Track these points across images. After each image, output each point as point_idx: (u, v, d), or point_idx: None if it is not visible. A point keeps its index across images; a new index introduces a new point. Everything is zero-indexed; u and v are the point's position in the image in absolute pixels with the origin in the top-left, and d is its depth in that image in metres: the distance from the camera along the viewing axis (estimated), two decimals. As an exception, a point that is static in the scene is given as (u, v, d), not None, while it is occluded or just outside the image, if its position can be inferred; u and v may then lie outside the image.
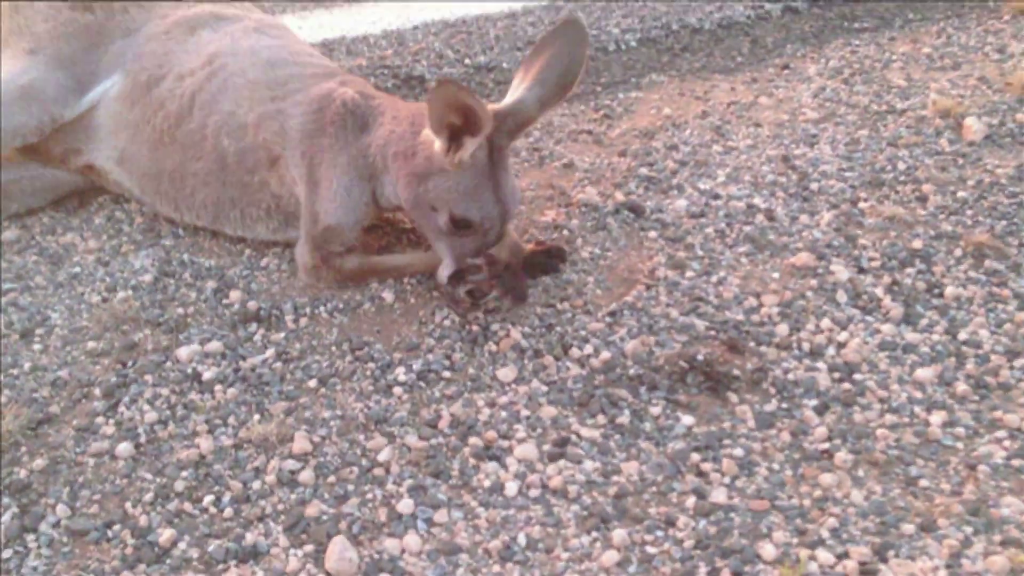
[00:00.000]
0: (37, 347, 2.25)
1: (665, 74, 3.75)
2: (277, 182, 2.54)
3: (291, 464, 1.94)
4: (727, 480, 1.92)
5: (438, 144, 2.24)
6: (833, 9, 4.35)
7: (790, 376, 2.16)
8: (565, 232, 2.66)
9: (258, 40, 2.72)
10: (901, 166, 2.94)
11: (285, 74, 2.61)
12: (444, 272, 2.35)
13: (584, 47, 2.36)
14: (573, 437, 2.02)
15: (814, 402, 2.09)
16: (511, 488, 1.90)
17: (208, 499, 1.86)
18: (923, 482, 1.89)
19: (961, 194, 2.78)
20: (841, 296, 2.39)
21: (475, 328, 2.31)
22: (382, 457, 1.97)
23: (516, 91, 2.35)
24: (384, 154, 2.39)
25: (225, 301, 2.42)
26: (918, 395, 2.11)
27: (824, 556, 1.73)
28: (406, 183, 2.33)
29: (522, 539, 1.79)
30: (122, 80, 2.72)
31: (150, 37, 2.75)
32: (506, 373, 2.18)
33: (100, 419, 2.04)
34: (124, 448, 1.96)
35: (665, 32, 4.09)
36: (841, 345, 2.25)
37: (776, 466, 1.95)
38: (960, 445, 1.99)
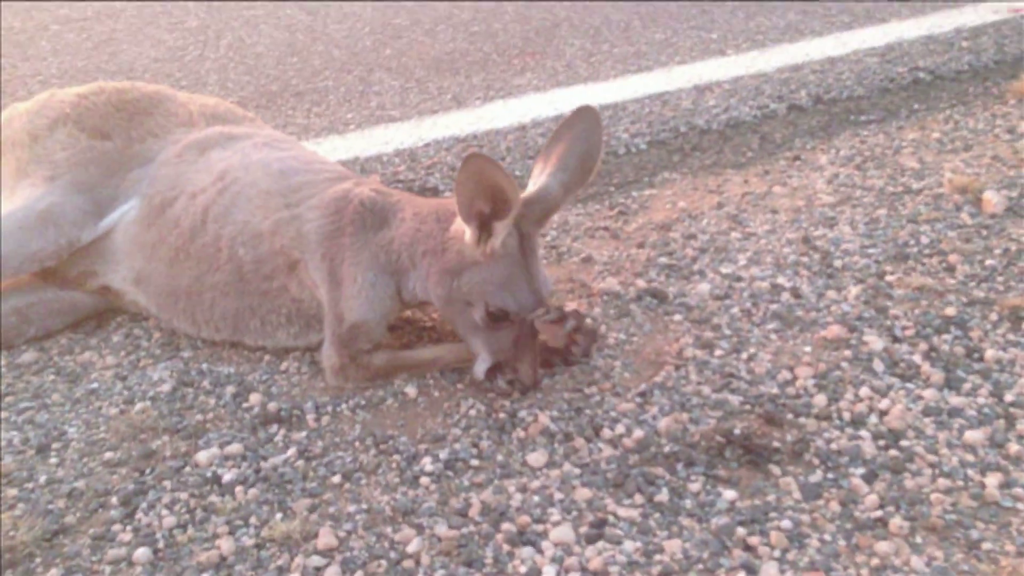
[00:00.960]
0: (53, 460, 2.19)
1: (677, 172, 3.77)
2: (297, 286, 2.53)
3: (316, 560, 1.85)
4: (777, 553, 1.81)
5: (468, 235, 2.24)
6: (838, 104, 4.40)
7: (833, 446, 2.07)
8: (588, 320, 2.61)
9: (268, 153, 2.76)
10: (924, 240, 2.90)
11: (298, 181, 2.63)
12: (480, 368, 2.31)
13: (600, 132, 2.39)
14: (610, 518, 1.92)
15: (861, 470, 2.00)
16: (549, 573, 1.80)
17: (230, 601, 1.77)
18: (986, 545, 1.78)
19: (989, 262, 2.73)
20: (878, 365, 2.32)
21: (502, 416, 2.24)
22: (411, 548, 1.87)
23: (539, 178, 2.36)
24: (412, 252, 2.39)
25: (245, 405, 2.36)
26: (970, 458, 2.01)
27: (890, 626, 1.61)
28: (438, 280, 2.32)
29: (563, 626, 1.68)
30: (138, 204, 2.75)
31: (164, 163, 2.80)
32: (536, 458, 2.10)
33: (117, 526, 1.97)
34: (142, 553, 1.88)
35: (674, 134, 4.14)
36: (883, 413, 2.16)
37: (828, 536, 1.84)
38: (1021, 506, 1.88)
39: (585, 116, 2.39)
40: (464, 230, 2.26)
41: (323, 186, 2.59)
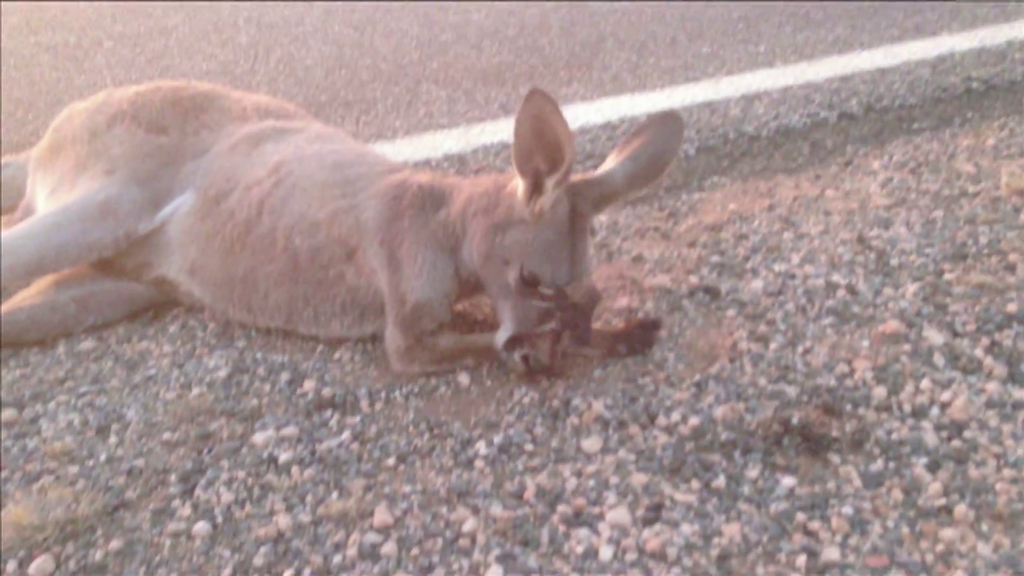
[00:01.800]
0: (113, 440, 2.22)
1: (727, 176, 3.76)
2: (354, 275, 2.54)
3: (372, 537, 1.85)
4: (839, 538, 1.78)
5: (521, 189, 2.25)
6: (890, 113, 4.37)
7: (894, 436, 2.04)
8: (640, 315, 2.60)
9: (322, 146, 2.80)
10: (983, 240, 2.86)
11: (353, 173, 2.66)
12: (502, 335, 2.31)
13: (680, 138, 2.41)
14: (667, 502, 1.91)
15: (924, 460, 1.96)
16: (605, 553, 1.78)
17: (288, 573, 1.77)
18: (1056, 533, 1.74)
19: (1050, 261, 2.68)
20: (938, 359, 2.28)
21: (555, 404, 2.24)
22: (467, 528, 1.86)
23: (606, 165, 2.37)
24: (464, 217, 2.40)
25: (299, 391, 2.38)
26: (1036, 449, 1.97)
27: (958, 609, 1.57)
28: (483, 236, 2.33)
29: (622, 603, 1.66)
30: (193, 197, 2.79)
31: (217, 155, 2.84)
32: (591, 444, 2.09)
33: (176, 502, 1.98)
34: (201, 527, 1.89)
35: (722, 141, 4.13)
36: (945, 405, 2.12)
37: (891, 523, 1.81)
38: (1090, 496, 1.83)
39: (669, 120, 2.42)
40: (518, 186, 2.27)
41: (379, 177, 2.62)
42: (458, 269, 2.45)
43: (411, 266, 2.41)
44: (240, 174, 2.76)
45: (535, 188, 2.25)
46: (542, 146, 2.18)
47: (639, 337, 2.43)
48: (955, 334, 2.37)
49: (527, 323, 2.28)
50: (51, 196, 2.91)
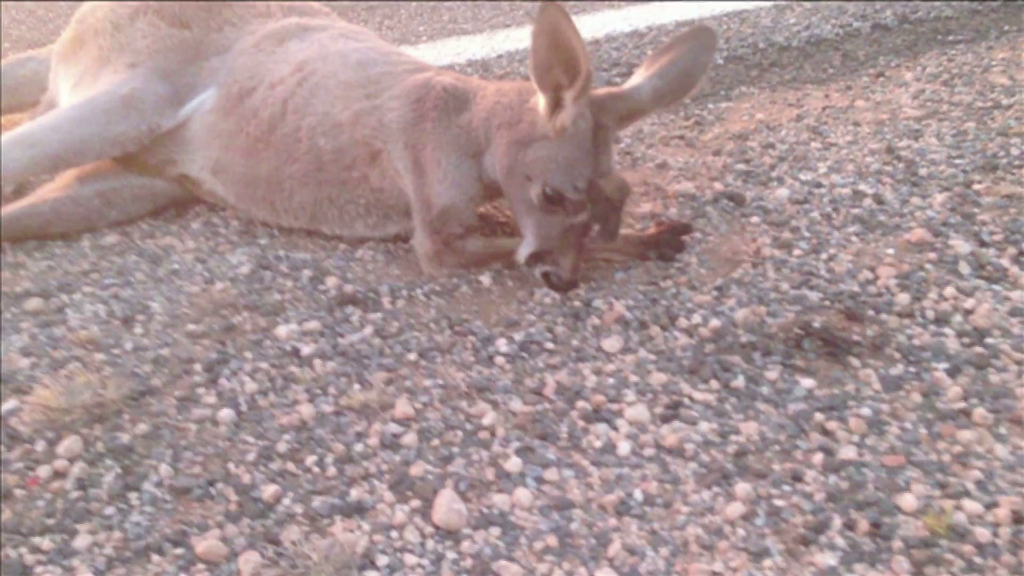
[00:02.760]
0: (138, 331, 2.24)
1: (755, 86, 3.69)
2: (378, 175, 2.53)
3: (393, 428, 1.88)
4: (856, 439, 1.79)
5: (541, 104, 2.22)
6: (925, 24, 4.26)
7: (915, 341, 2.04)
8: (657, 220, 2.59)
9: (346, 44, 2.76)
10: (1014, 152, 2.82)
11: (377, 72, 2.62)
12: (524, 251, 2.31)
13: (711, 54, 2.36)
14: (686, 400, 1.92)
15: (944, 365, 1.96)
16: (623, 448, 1.80)
17: (311, 459, 1.80)
18: (1074, 438, 1.74)
19: (1083, 173, 2.64)
20: (964, 267, 2.26)
21: (576, 304, 2.24)
22: (486, 421, 1.89)
23: (634, 79, 2.33)
24: (488, 127, 2.38)
25: (321, 287, 2.39)
26: (1058, 357, 1.96)
27: (971, 506, 1.59)
28: (505, 150, 2.31)
29: (638, 495, 1.69)
30: (216, 93, 2.76)
31: (241, 52, 2.80)
32: (611, 343, 2.10)
33: (201, 390, 2.01)
34: (226, 414, 1.92)
35: (752, 50, 4.05)
36: (968, 312, 2.12)
37: (909, 425, 1.81)
38: (1112, 403, 1.83)
39: (701, 35, 2.37)
40: (539, 102, 2.24)
41: (403, 77, 2.58)
42: (481, 174, 2.43)
43: (435, 170, 2.40)
44: (264, 72, 2.73)
45: (555, 103, 2.22)
46: (560, 60, 2.13)
47: (669, 242, 2.41)
48: (982, 243, 2.35)
49: (549, 240, 2.27)
50: (74, 89, 2.89)
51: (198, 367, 2.08)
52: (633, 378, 1.99)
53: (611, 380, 1.99)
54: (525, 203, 2.30)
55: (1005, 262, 2.26)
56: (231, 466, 1.79)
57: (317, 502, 1.70)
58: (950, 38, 4.08)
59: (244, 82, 2.72)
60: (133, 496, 1.73)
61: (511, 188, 2.33)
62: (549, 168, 2.22)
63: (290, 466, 1.79)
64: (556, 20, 2.06)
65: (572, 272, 2.27)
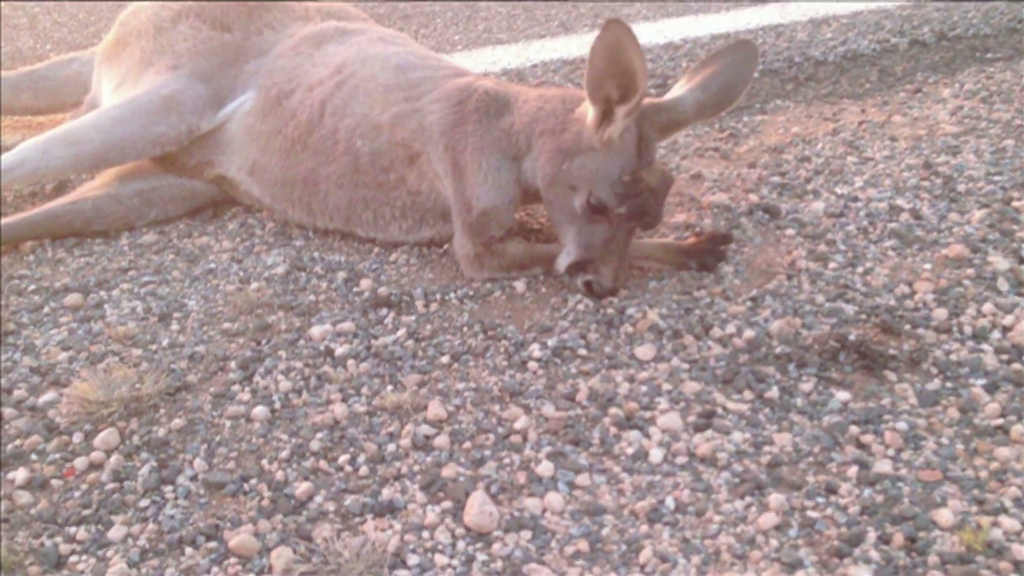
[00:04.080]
0: (175, 327, 2.27)
1: (791, 100, 3.68)
2: (416, 178, 2.54)
3: (426, 429, 1.88)
4: (891, 452, 1.77)
5: (590, 116, 2.23)
6: (963, 42, 4.23)
7: (953, 357, 2.02)
8: (697, 230, 2.58)
9: (384, 48, 2.78)
10: (1054, 169, 2.78)
11: (417, 76, 2.64)
12: (564, 260, 2.31)
13: (753, 68, 2.39)
14: (719, 410, 1.91)
15: (982, 381, 1.94)
16: (656, 455, 1.80)
17: (343, 458, 1.81)
18: (1114, 457, 1.72)
19: (1125, 193, 2.60)
20: (1003, 284, 2.24)
21: (610, 311, 2.24)
22: (519, 425, 1.89)
23: (677, 91, 2.34)
24: (529, 131, 2.38)
25: (355, 289, 2.41)
26: (1098, 375, 1.94)
27: (1009, 523, 1.57)
28: (549, 158, 2.32)
29: (670, 502, 1.68)
30: (255, 96, 2.79)
31: (280, 55, 2.84)
32: (644, 351, 2.09)
33: (236, 387, 2.03)
34: (260, 411, 1.93)
35: (788, 64, 4.03)
36: (1007, 329, 2.09)
37: (945, 440, 1.80)
38: None
39: (743, 49, 2.40)
40: (588, 113, 2.25)
41: (443, 81, 2.60)
42: (520, 178, 2.44)
43: (475, 173, 2.40)
44: (302, 74, 2.76)
45: (604, 116, 2.22)
46: (615, 75, 2.14)
47: (709, 251, 2.41)
48: (1021, 260, 2.33)
49: (591, 249, 2.27)
50: (116, 90, 2.94)
51: (233, 365, 2.10)
52: (666, 386, 1.99)
53: (644, 388, 1.99)
54: (567, 212, 2.30)
55: (1045, 279, 2.24)
56: (264, 463, 1.81)
57: (349, 500, 1.70)
58: (988, 55, 4.04)
59: (283, 84, 2.75)
60: (168, 489, 1.75)
61: (553, 196, 2.33)
62: (595, 180, 2.23)
63: (323, 464, 1.80)
64: (619, 36, 2.08)
65: (614, 281, 2.27)
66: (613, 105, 2.19)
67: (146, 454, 1.83)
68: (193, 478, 1.77)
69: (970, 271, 2.30)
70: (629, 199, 2.23)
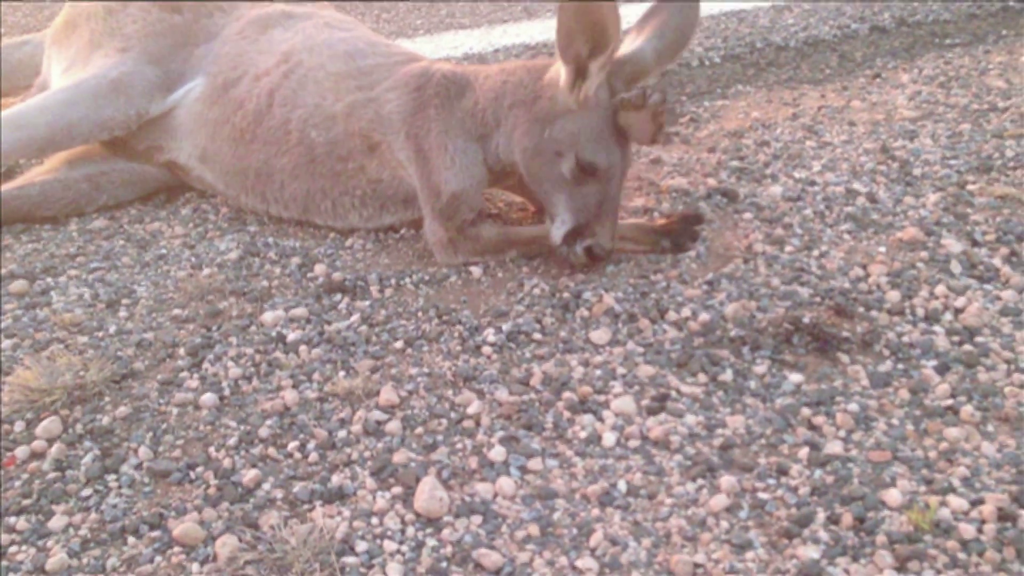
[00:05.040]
0: (123, 314, 2.23)
1: (751, 85, 3.68)
2: (377, 167, 2.50)
3: (377, 415, 1.86)
4: (842, 434, 1.77)
5: (563, 77, 2.21)
6: (923, 28, 4.26)
7: (905, 339, 2.02)
8: (656, 214, 2.57)
9: (332, 34, 2.73)
10: (1009, 153, 2.80)
11: (369, 64, 2.60)
12: (559, 230, 2.28)
13: (697, 10, 2.38)
14: (673, 393, 1.90)
15: (933, 363, 1.95)
16: (609, 439, 1.78)
17: (293, 445, 1.78)
18: (1062, 437, 1.73)
19: (1077, 176, 2.63)
20: (955, 267, 2.25)
21: (566, 295, 2.22)
22: (471, 410, 1.87)
23: (633, 43, 2.33)
24: (497, 107, 2.36)
25: (309, 275, 2.37)
26: (1048, 357, 1.95)
27: (957, 502, 1.58)
28: (527, 130, 2.30)
29: (622, 485, 1.67)
30: (203, 82, 2.75)
31: (226, 40, 2.79)
32: (600, 335, 2.08)
33: (184, 374, 1.99)
34: (208, 398, 1.90)
35: (749, 49, 4.04)
36: (959, 311, 2.10)
37: (896, 421, 1.80)
38: (1101, 403, 1.82)
39: None
40: (559, 76, 2.23)
41: (396, 68, 2.56)
42: (486, 158, 2.41)
43: (441, 157, 2.37)
44: (248, 62, 2.71)
45: (578, 74, 2.20)
46: (584, 29, 2.12)
47: (682, 230, 2.39)
48: (974, 243, 2.34)
49: (585, 212, 2.25)
50: (65, 73, 2.88)
51: (182, 351, 2.07)
52: (620, 370, 1.98)
53: (598, 372, 1.97)
54: (554, 180, 2.28)
55: (997, 262, 2.25)
56: (211, 450, 1.78)
57: (298, 487, 1.68)
58: (947, 41, 4.07)
59: (228, 72, 2.70)
60: (111, 478, 1.71)
61: (538, 167, 2.30)
62: (580, 141, 2.23)
63: (272, 451, 1.77)
64: None
65: (611, 240, 2.26)
66: (585, 62, 2.17)
67: (89, 443, 1.79)
68: (137, 466, 1.74)
69: (924, 254, 2.30)
70: (620, 149, 2.24)
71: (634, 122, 2.21)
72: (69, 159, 2.75)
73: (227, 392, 1.94)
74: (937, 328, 2.05)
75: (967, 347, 1.99)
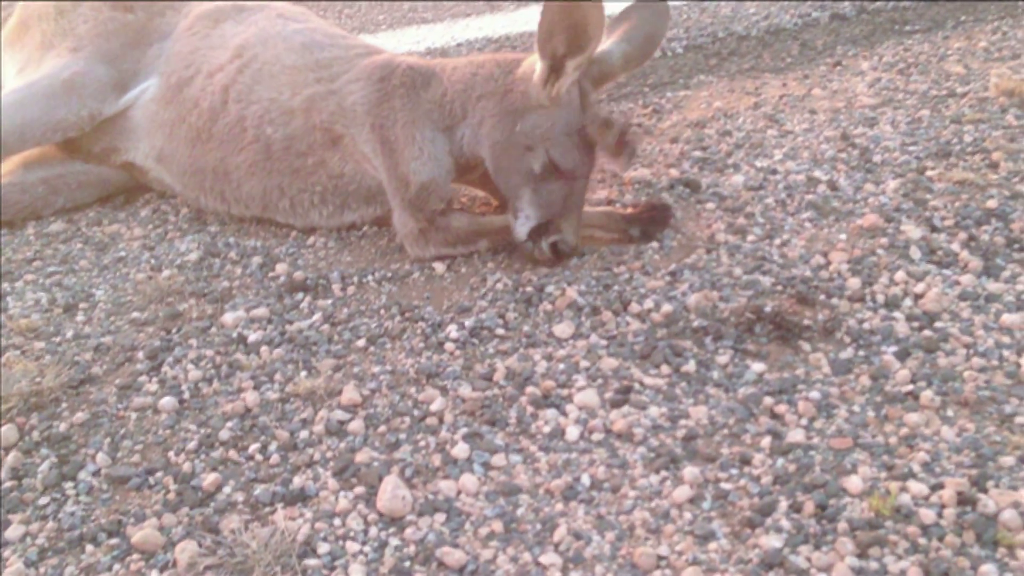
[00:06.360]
0: (81, 319, 2.20)
1: (714, 75, 3.69)
2: (339, 161, 2.47)
3: (340, 415, 1.84)
4: (804, 422, 1.78)
5: (538, 72, 2.20)
6: (882, 15, 4.28)
7: (865, 325, 2.03)
8: (618, 205, 2.57)
9: (285, 26, 2.70)
10: (967, 139, 2.82)
11: (327, 56, 2.57)
12: (524, 226, 2.27)
13: (667, 19, 2.41)
14: (636, 385, 1.90)
15: (894, 349, 1.96)
16: (572, 433, 1.78)
17: (254, 447, 1.77)
18: (1019, 419, 1.75)
19: (1034, 160, 2.65)
20: (915, 252, 2.26)
21: (529, 290, 2.22)
22: (435, 407, 1.86)
23: (602, 45, 2.32)
24: (465, 98, 2.34)
25: (271, 274, 2.35)
26: (1006, 340, 1.97)
27: (917, 488, 1.59)
28: (496, 123, 2.29)
29: (586, 479, 1.67)
30: (157, 82, 2.71)
31: (177, 38, 2.75)
32: (563, 329, 2.08)
33: (143, 378, 1.97)
34: (167, 402, 1.88)
35: (711, 39, 4.05)
36: (919, 296, 2.11)
37: (857, 408, 1.81)
38: (1058, 385, 1.84)
39: (655, 3, 2.41)
40: (533, 71, 2.22)
41: (356, 60, 2.53)
42: (452, 148, 2.40)
43: (409, 147, 2.35)
44: (200, 59, 2.67)
45: (552, 71, 2.19)
46: (566, 28, 2.11)
47: (652, 218, 2.40)
48: (933, 228, 2.35)
49: (551, 208, 2.25)
50: (19, 75, 2.84)
51: (141, 355, 2.05)
52: (584, 363, 1.97)
53: (561, 366, 1.97)
54: (522, 175, 2.27)
55: (956, 247, 2.27)
56: (171, 455, 1.76)
57: (259, 490, 1.66)
58: (907, 28, 4.09)
59: (181, 72, 2.67)
60: (68, 486, 1.69)
61: (506, 161, 2.29)
62: (551, 137, 2.22)
63: (232, 454, 1.76)
64: None
65: (576, 236, 2.26)
66: (561, 60, 2.16)
67: (46, 450, 1.77)
68: (95, 473, 1.72)
69: (884, 240, 2.32)
70: (587, 151, 2.24)
71: (603, 140, 2.23)
72: (25, 162, 2.71)
73: (187, 395, 1.92)
74: (897, 314, 2.06)
75: (927, 332, 2.00)
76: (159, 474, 1.71)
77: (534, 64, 2.23)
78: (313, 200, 2.53)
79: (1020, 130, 2.86)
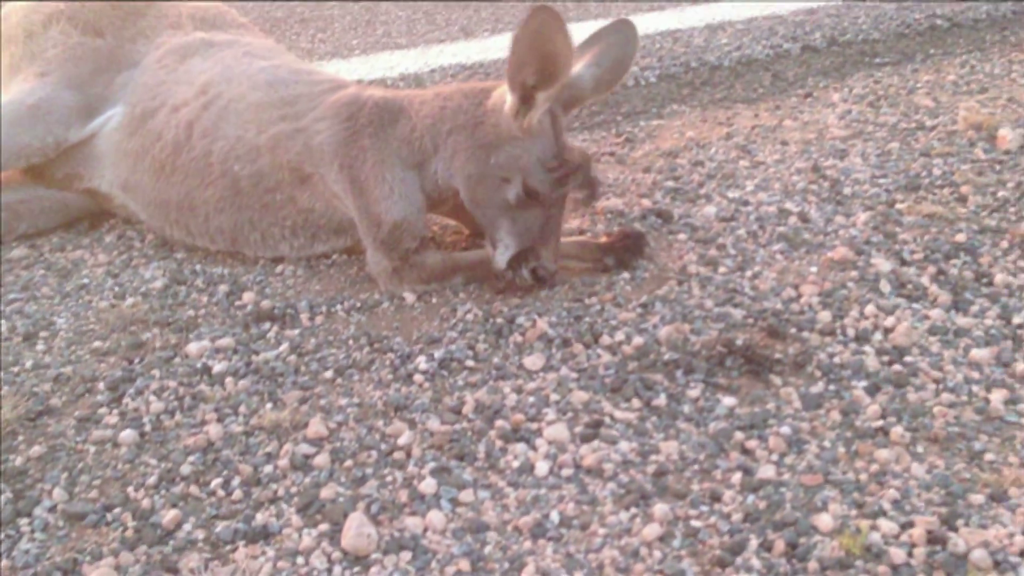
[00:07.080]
0: (40, 348, 2.15)
1: (686, 104, 3.71)
2: (308, 198, 2.45)
3: (305, 448, 1.81)
4: (775, 457, 1.77)
5: (509, 104, 2.19)
6: (853, 47, 4.33)
7: (836, 359, 2.03)
8: (589, 235, 2.56)
9: (251, 64, 2.67)
10: (936, 172, 2.84)
11: (292, 93, 2.55)
12: (504, 256, 2.26)
13: (635, 45, 2.40)
14: (607, 419, 1.88)
15: (864, 383, 1.95)
16: (541, 468, 1.76)
17: (216, 482, 1.73)
18: (988, 456, 1.74)
19: (1002, 194, 2.67)
20: (884, 286, 2.27)
21: (499, 321, 2.20)
22: (402, 441, 1.83)
23: (572, 69, 2.31)
24: (435, 132, 2.33)
25: (237, 303, 2.32)
26: (975, 375, 1.97)
27: (887, 526, 1.57)
28: (470, 156, 2.27)
29: (555, 516, 1.64)
30: (122, 111, 2.68)
31: (145, 69, 2.73)
32: (533, 361, 2.06)
33: (103, 410, 1.93)
34: (127, 435, 1.84)
35: (684, 69, 4.07)
36: (888, 330, 2.11)
37: (827, 443, 1.80)
38: (1025, 421, 1.84)
39: (623, 28, 2.40)
40: (503, 102, 2.21)
41: (321, 96, 2.51)
42: (423, 184, 2.38)
43: (379, 187, 2.33)
44: (166, 92, 2.64)
45: (523, 102, 2.18)
46: (536, 60, 2.10)
47: (626, 247, 2.40)
48: (903, 262, 2.36)
49: (529, 236, 2.24)
50: (-16, 98, 2.79)
51: (101, 386, 2.00)
52: (554, 396, 1.95)
53: (531, 399, 1.95)
54: (498, 206, 2.26)
55: (925, 280, 2.27)
56: (130, 490, 1.72)
57: (220, 527, 1.62)
58: (877, 60, 4.14)
59: (147, 103, 2.64)
60: (23, 522, 1.65)
61: (482, 193, 2.28)
62: (526, 167, 2.22)
63: (193, 489, 1.72)
64: (544, 22, 2.04)
65: (555, 262, 2.27)
66: (531, 91, 2.16)
67: (1, 485, 1.71)
68: (51, 509, 1.67)
69: (854, 273, 2.32)
70: (562, 179, 2.23)
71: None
72: (-14, 187, 2.66)
73: (148, 428, 1.87)
74: (867, 348, 2.06)
75: (896, 367, 2.00)
76: (117, 510, 1.67)
77: (504, 95, 2.22)
78: (284, 233, 2.51)
79: (988, 164, 2.89)
